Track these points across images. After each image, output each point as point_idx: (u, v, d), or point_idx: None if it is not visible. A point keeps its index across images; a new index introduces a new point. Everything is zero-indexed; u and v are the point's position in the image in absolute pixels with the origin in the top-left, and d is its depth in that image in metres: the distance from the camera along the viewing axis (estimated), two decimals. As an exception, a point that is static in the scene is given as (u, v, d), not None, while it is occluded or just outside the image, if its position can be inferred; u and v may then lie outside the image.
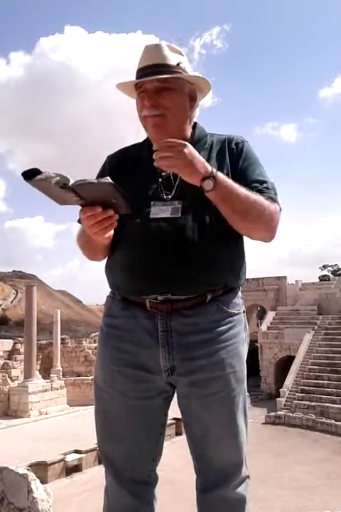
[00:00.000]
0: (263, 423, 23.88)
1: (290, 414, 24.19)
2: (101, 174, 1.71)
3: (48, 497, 2.31)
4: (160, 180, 1.65)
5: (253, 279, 37.52)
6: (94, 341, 32.09)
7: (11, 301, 52.48)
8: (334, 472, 16.17)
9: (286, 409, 25.42)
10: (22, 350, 26.67)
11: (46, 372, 27.32)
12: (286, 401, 26.25)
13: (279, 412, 24.76)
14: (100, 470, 15.90)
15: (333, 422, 22.45)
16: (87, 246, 1.71)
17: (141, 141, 1.80)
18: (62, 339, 29.94)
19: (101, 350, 1.76)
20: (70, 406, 25.63)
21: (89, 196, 1.41)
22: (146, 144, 1.74)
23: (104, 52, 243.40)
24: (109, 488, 1.77)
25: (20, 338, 28.10)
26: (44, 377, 26.35)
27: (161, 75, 1.58)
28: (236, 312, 1.68)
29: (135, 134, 1.77)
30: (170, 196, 1.62)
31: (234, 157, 1.68)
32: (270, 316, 36.30)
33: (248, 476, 1.76)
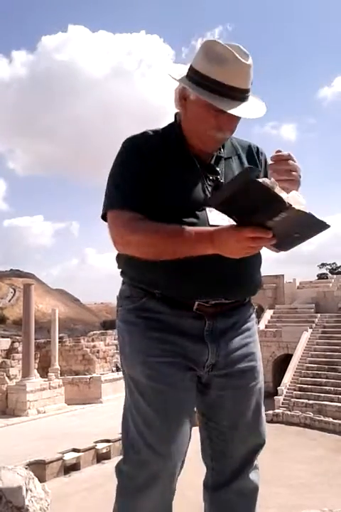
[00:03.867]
0: (261, 421, 23.90)
1: (288, 413, 24.23)
2: (140, 158, 1.61)
3: (46, 495, 2.31)
4: (209, 184, 1.67)
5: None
6: (92, 340, 32.13)
7: (9, 300, 52.47)
8: (332, 470, 16.20)
9: (284, 407, 25.43)
10: (20, 349, 26.64)
11: (44, 371, 27.32)
12: (284, 399, 26.26)
13: (277, 410, 24.77)
14: (98, 468, 15.98)
15: (331, 420, 22.49)
16: (161, 249, 1.50)
17: (158, 129, 1.73)
18: (60, 338, 29.94)
19: (137, 343, 1.63)
20: (68, 405, 25.64)
21: (284, 223, 1.30)
22: (179, 137, 1.69)
23: (107, 51, 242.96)
24: (162, 490, 1.65)
25: (18, 337, 28.11)
26: (42, 376, 26.36)
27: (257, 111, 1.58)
28: (253, 310, 1.90)
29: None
30: (208, 208, 1.64)
31: (265, 169, 1.79)
32: (268, 314, 36.34)
33: (257, 466, 1.87)
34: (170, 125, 1.75)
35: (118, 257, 1.73)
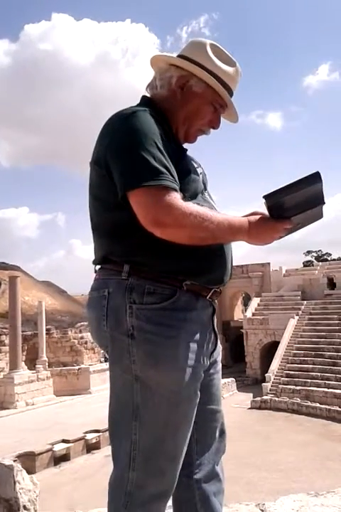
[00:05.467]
0: (249, 408, 24.16)
1: (276, 399, 24.51)
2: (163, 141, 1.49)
3: (35, 487, 2.30)
4: (199, 172, 1.70)
5: (237, 266, 37.65)
6: (80, 331, 32.07)
7: (-5, 293, 52.09)
8: (319, 454, 16.45)
9: (272, 393, 25.72)
10: (7, 341, 26.50)
11: (32, 363, 27.24)
12: (272, 386, 26.56)
13: (265, 397, 25.04)
14: (88, 459, 16.04)
15: (318, 405, 22.81)
16: (210, 234, 1.46)
17: (141, 109, 1.55)
18: (47, 330, 29.82)
19: (173, 349, 1.49)
20: (57, 396, 25.63)
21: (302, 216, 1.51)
22: (168, 124, 1.63)
23: (92, 40, 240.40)
24: (165, 503, 1.59)
25: (4, 330, 27.89)
26: (30, 368, 26.27)
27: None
28: None
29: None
30: (205, 193, 1.69)
31: None
32: (255, 302, 36.59)
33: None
34: (153, 108, 1.59)
35: (129, 246, 1.52)
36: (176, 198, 1.41)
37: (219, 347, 1.75)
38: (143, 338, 1.48)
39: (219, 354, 1.76)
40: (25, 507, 2.16)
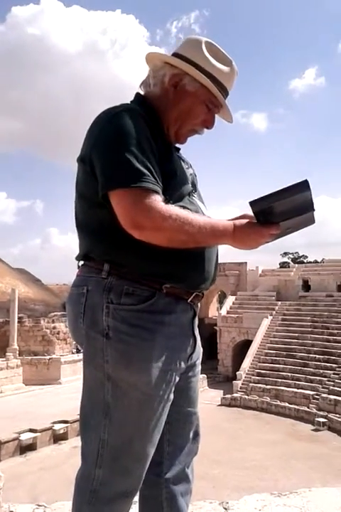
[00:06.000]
0: (218, 405, 24.38)
1: (246, 397, 24.78)
2: (145, 134, 1.48)
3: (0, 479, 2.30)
4: (188, 173, 1.67)
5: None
6: (52, 321, 31.83)
7: (-32, 279, 51.34)
8: (286, 453, 16.71)
9: (242, 391, 25.97)
10: (-23, 327, 26.13)
11: (2, 351, 26.99)
12: (242, 384, 26.80)
13: (235, 395, 25.31)
14: (55, 449, 15.98)
15: (287, 404, 23.17)
16: (191, 238, 1.43)
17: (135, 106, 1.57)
18: (19, 318, 29.58)
19: (147, 351, 1.49)
20: (26, 385, 25.44)
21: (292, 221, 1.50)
22: (159, 123, 1.60)
23: (80, 28, 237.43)
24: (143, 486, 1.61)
25: (-25, 316, 27.51)
26: (0, 356, 25.97)
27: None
28: None
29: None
30: (195, 195, 1.65)
31: None
32: (230, 300, 36.90)
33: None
34: (145, 106, 1.59)
35: (110, 246, 1.50)
36: (156, 200, 1.39)
37: (200, 350, 1.72)
38: (117, 338, 1.47)
39: (198, 357, 1.73)
40: None
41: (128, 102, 1.60)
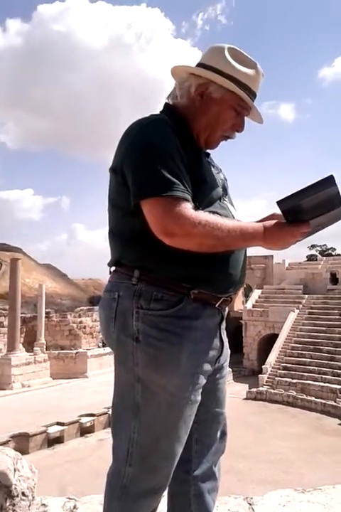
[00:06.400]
0: (244, 398, 24.27)
1: (272, 391, 24.60)
2: (173, 145, 1.53)
3: (33, 475, 2.37)
4: (219, 178, 1.72)
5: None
6: (79, 315, 32.22)
7: (-4, 274, 52.25)
8: (312, 447, 16.51)
9: (268, 385, 25.80)
10: (5, 323, 26.70)
11: (30, 346, 27.45)
12: (268, 377, 26.63)
13: (261, 388, 25.15)
14: (82, 441, 16.12)
15: (313, 398, 22.88)
16: (220, 242, 1.48)
17: (164, 116, 1.63)
18: (46, 313, 30.04)
19: (176, 355, 1.54)
20: (53, 379, 25.85)
21: (321, 218, 1.52)
22: (189, 133, 1.65)
23: (106, 23, 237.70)
24: (158, 500, 1.68)
25: (3, 311, 28.07)
26: (27, 351, 26.48)
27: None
28: None
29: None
30: (226, 199, 1.71)
31: None
32: (256, 294, 36.65)
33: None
34: (174, 115, 1.64)
35: (140, 253, 1.57)
36: (186, 207, 1.44)
37: (227, 352, 1.78)
38: (147, 342, 1.54)
39: (226, 360, 1.79)
40: (24, 493, 2.24)
41: (158, 113, 1.67)
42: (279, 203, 1.45)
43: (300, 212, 1.46)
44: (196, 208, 1.49)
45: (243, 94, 1.60)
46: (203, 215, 1.46)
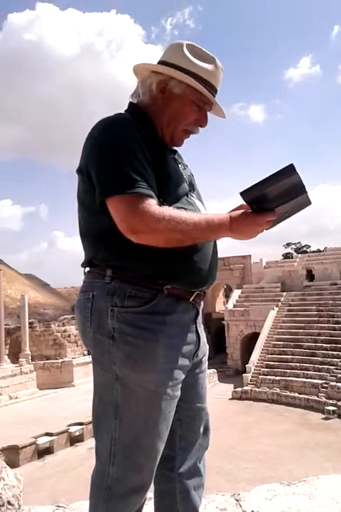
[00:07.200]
0: (230, 398, 24.57)
1: (256, 389, 24.96)
2: (135, 141, 1.54)
3: (19, 483, 2.36)
4: (186, 174, 1.72)
5: (219, 259, 37.72)
6: (63, 324, 32.05)
7: (-24, 286, 51.52)
8: (298, 443, 16.92)
9: (252, 384, 26.16)
10: (-11, 335, 26.42)
11: (15, 357, 27.19)
12: (252, 376, 27.00)
13: (245, 388, 25.49)
14: (72, 451, 16.02)
15: (297, 395, 23.34)
16: (186, 236, 1.49)
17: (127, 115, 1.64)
18: (30, 323, 29.73)
19: (151, 351, 1.54)
20: (40, 389, 25.67)
21: (287, 205, 1.52)
22: (153, 129, 1.66)
23: (76, 30, 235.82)
24: (157, 481, 1.71)
25: (-13, 324, 27.77)
26: (13, 362, 26.28)
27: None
28: None
29: None
30: (193, 194, 1.72)
31: None
32: (236, 294, 37.01)
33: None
34: (138, 113, 1.66)
35: (111, 251, 1.57)
36: (150, 204, 1.45)
37: (205, 347, 1.79)
38: (123, 340, 1.53)
39: (204, 354, 1.79)
40: (9, 502, 2.20)
41: (122, 111, 1.67)
42: (242, 193, 1.46)
43: (264, 201, 1.47)
44: (161, 204, 1.49)
45: (202, 89, 1.61)
46: (167, 211, 1.46)
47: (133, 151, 1.49)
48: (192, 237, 1.50)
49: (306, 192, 1.48)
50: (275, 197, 1.46)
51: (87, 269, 1.66)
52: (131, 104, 1.71)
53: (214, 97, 1.66)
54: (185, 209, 1.55)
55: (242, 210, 1.54)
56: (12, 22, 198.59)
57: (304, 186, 1.46)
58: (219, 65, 1.66)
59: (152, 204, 1.45)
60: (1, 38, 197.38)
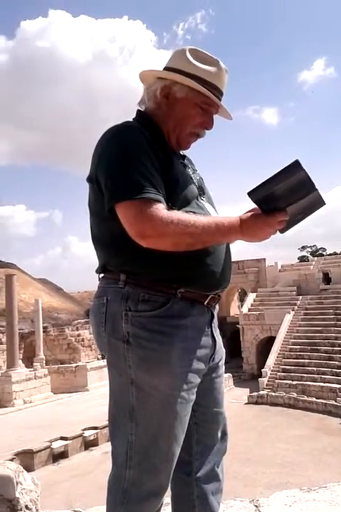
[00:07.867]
0: (246, 403, 24.30)
1: (273, 394, 24.65)
2: (144, 150, 1.56)
3: (36, 487, 2.35)
4: (195, 178, 1.73)
5: (233, 262, 37.36)
6: (77, 329, 32.12)
7: (-9, 291, 51.99)
8: (316, 448, 16.59)
9: (268, 388, 25.87)
10: (4, 339, 26.57)
11: (29, 361, 27.33)
12: (268, 381, 26.71)
13: (261, 392, 25.19)
14: (86, 456, 16.02)
15: (314, 399, 22.97)
16: (196, 239, 1.49)
17: (132, 121, 1.69)
18: (44, 327, 29.90)
19: (166, 355, 1.54)
20: (54, 394, 25.74)
21: (298, 205, 1.49)
22: (160, 134, 1.68)
23: (89, 37, 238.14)
24: (159, 502, 1.65)
25: (1, 328, 27.93)
26: (27, 366, 26.38)
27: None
28: None
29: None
30: (203, 198, 1.72)
31: None
32: (250, 298, 36.74)
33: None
34: (145, 120, 1.68)
35: (123, 256, 1.58)
36: (158, 208, 1.46)
37: (222, 351, 1.78)
38: (137, 343, 1.54)
39: (221, 358, 1.78)
40: (27, 507, 2.21)
41: (130, 120, 1.70)
42: (250, 193, 1.44)
43: (273, 200, 1.44)
44: (170, 208, 1.50)
45: (205, 91, 1.62)
46: (176, 214, 1.47)
47: (140, 158, 1.52)
48: (202, 241, 1.50)
49: (316, 190, 1.44)
50: (283, 195, 1.43)
51: (101, 274, 1.68)
52: (138, 111, 1.74)
53: (220, 99, 1.68)
54: (195, 212, 1.55)
55: (252, 212, 1.53)
56: (25, 29, 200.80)
57: (313, 183, 1.43)
58: (222, 67, 1.67)
59: (160, 208, 1.47)
60: (15, 45, 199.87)
